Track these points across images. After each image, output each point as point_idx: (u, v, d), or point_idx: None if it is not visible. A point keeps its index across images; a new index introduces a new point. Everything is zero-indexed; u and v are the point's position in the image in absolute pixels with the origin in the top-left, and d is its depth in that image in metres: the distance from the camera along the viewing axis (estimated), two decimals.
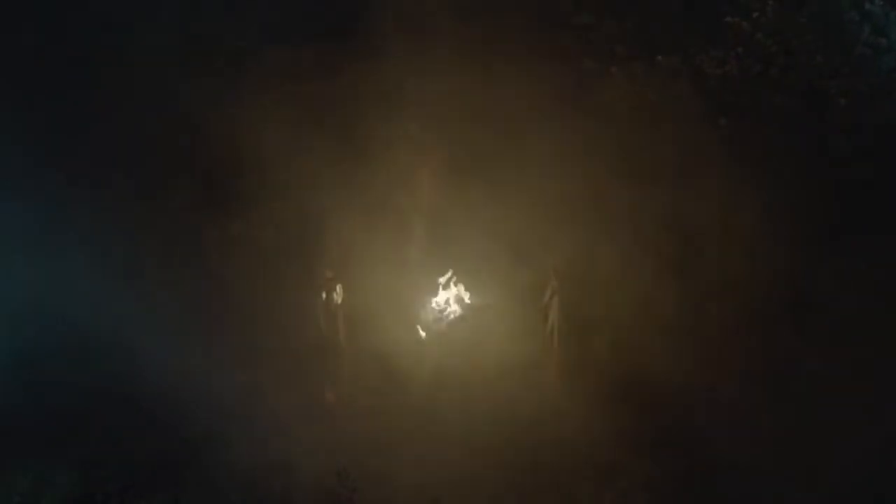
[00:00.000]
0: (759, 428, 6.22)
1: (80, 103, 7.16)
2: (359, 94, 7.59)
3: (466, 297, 7.45)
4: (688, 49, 7.16)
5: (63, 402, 6.43)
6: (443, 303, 7.43)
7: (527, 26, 7.69)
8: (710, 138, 7.03)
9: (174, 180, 7.34)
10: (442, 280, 7.49)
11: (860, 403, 6.13)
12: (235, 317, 6.90)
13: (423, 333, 7.28)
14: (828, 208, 6.87)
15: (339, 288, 6.70)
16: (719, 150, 7.01)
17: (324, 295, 6.67)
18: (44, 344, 6.56)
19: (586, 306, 6.99)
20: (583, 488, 6.01)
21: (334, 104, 7.56)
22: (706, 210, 7.00)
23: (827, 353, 6.45)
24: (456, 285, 7.46)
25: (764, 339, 6.66)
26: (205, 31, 7.20)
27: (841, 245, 6.78)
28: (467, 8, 7.72)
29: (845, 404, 6.13)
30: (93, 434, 6.30)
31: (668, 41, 7.26)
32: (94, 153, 7.16)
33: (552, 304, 6.85)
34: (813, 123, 6.99)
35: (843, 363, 6.36)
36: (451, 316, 7.36)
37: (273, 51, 7.46)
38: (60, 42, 7.11)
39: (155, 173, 7.31)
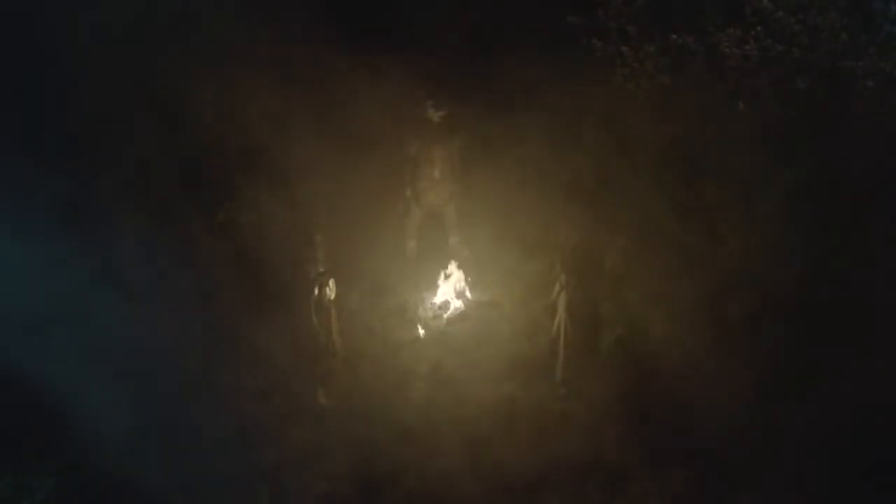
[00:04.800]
0: (780, 431, 5.87)
1: (47, 85, 6.83)
2: (355, 78, 7.34)
3: (468, 293, 7.25)
4: (704, 28, 6.86)
5: (43, 406, 6.11)
6: (442, 299, 7.22)
7: (532, 5, 7.49)
8: (727, 122, 6.73)
9: (155, 167, 7.08)
10: (442, 274, 7.29)
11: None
12: (221, 313, 6.66)
13: (421, 331, 7.05)
14: (854, 196, 6.52)
15: (332, 283, 6.45)
16: (737, 135, 6.71)
17: (316, 290, 6.40)
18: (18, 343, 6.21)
19: (596, 302, 6.62)
20: (591, 495, 5.75)
21: (327, 88, 7.32)
22: (724, 199, 6.73)
23: (853, 351, 6.08)
24: (457, 280, 7.25)
25: (786, 336, 6.30)
26: (188, 10, 6.92)
27: (869, 234, 6.43)
28: None
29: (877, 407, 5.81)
30: (72, 440, 6.04)
31: (683, 20, 6.96)
32: (65, 140, 6.88)
33: (560, 301, 6.52)
34: (837, 107, 6.67)
35: (873, 363, 5.99)
36: (452, 312, 7.15)
37: (263, 31, 7.16)
38: (29, 18, 6.81)
39: (134, 160, 7.06)
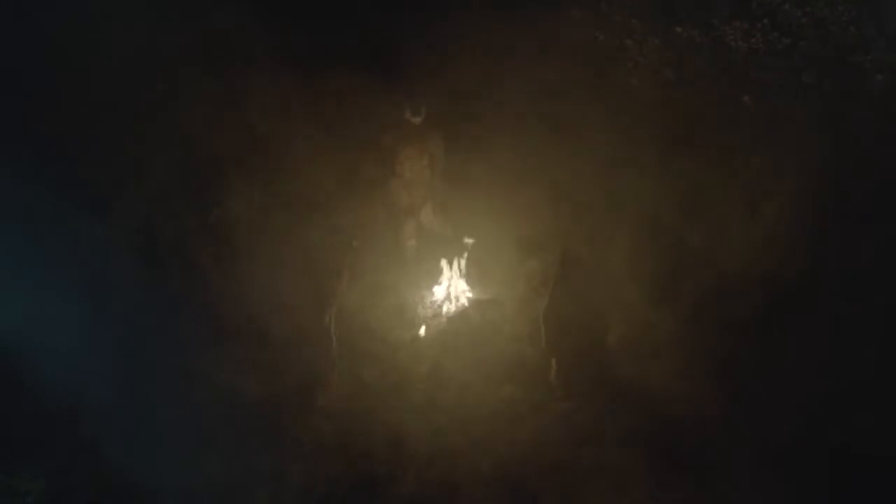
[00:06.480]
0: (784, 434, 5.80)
1: (39, 82, 6.62)
2: (351, 73, 7.14)
3: (469, 291, 7.18)
4: (710, 21, 6.76)
5: (33, 410, 6.06)
6: (442, 297, 7.15)
7: None
8: (733, 118, 6.64)
9: (149, 165, 6.94)
10: (442, 273, 7.22)
11: None
12: (217, 313, 6.53)
13: (420, 330, 6.96)
14: (863, 193, 6.43)
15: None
16: (743, 131, 6.63)
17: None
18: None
19: (598, 301, 6.57)
20: (590, 495, 5.69)
21: (324, 84, 7.14)
22: (729, 196, 6.62)
23: (864, 355, 5.99)
24: (457, 278, 7.18)
25: (791, 338, 6.19)
26: (184, 8, 6.81)
27: (879, 234, 6.33)
28: None
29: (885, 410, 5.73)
30: (63, 442, 5.99)
31: (688, 13, 6.85)
32: (58, 139, 6.67)
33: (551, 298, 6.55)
34: (846, 101, 6.56)
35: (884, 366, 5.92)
36: (452, 311, 7.07)
37: (259, 29, 7.04)
38: (22, 15, 6.65)
39: (128, 158, 6.89)
